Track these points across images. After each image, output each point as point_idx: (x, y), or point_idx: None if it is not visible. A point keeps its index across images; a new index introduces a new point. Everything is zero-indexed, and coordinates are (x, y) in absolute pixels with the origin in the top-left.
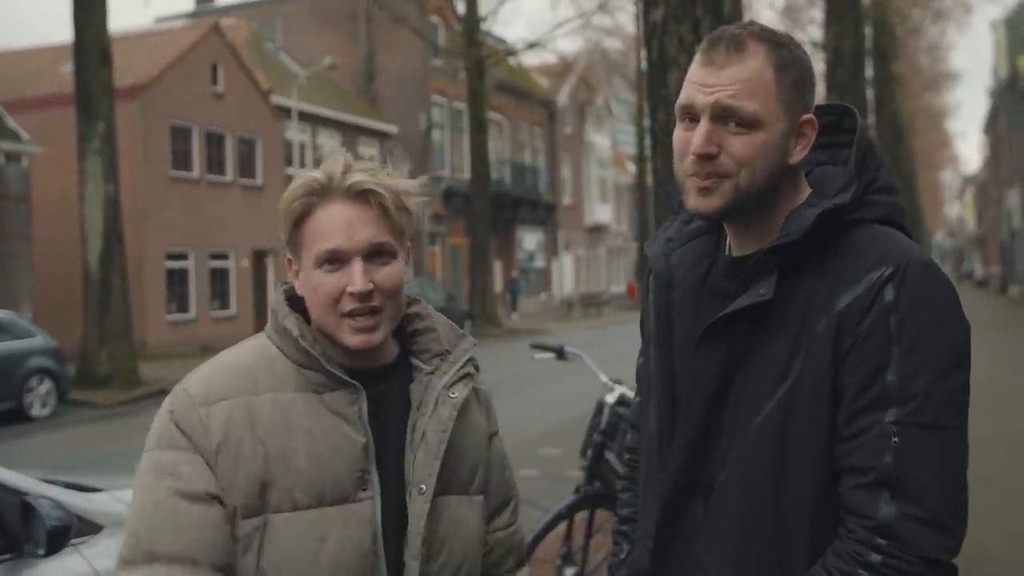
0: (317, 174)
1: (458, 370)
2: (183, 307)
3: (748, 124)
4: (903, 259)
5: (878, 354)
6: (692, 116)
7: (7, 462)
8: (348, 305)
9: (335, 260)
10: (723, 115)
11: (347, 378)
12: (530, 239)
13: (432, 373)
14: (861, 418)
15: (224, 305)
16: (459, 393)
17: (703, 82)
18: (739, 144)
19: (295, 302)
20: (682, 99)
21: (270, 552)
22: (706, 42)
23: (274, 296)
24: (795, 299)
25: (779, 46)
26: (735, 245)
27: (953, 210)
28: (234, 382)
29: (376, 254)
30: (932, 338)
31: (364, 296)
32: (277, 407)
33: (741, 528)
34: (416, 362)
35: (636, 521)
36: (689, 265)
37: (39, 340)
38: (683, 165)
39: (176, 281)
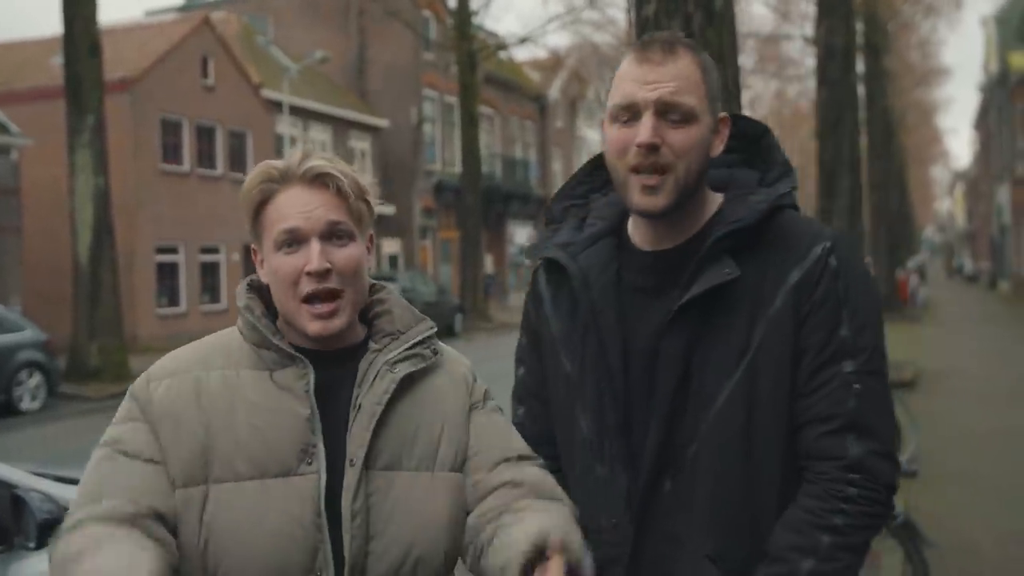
0: (276, 162)
1: (406, 349)
2: (173, 300)
3: (686, 118)
4: (833, 235)
5: (832, 315)
6: (632, 114)
7: None
8: (306, 287)
9: (293, 241)
10: (665, 110)
11: (295, 353)
12: (521, 233)
13: (380, 351)
14: (823, 371)
15: (214, 299)
16: (402, 369)
17: (643, 79)
18: (679, 137)
19: (262, 293)
20: (619, 99)
21: (211, 521)
22: (639, 44)
23: (240, 285)
24: (745, 279)
25: (700, 53)
26: (651, 241)
27: (943, 206)
28: (188, 361)
29: (334, 235)
30: (868, 299)
31: (321, 275)
32: (225, 382)
33: (713, 496)
34: (370, 343)
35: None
36: (600, 267)
37: (28, 333)
38: (624, 160)
39: (166, 274)
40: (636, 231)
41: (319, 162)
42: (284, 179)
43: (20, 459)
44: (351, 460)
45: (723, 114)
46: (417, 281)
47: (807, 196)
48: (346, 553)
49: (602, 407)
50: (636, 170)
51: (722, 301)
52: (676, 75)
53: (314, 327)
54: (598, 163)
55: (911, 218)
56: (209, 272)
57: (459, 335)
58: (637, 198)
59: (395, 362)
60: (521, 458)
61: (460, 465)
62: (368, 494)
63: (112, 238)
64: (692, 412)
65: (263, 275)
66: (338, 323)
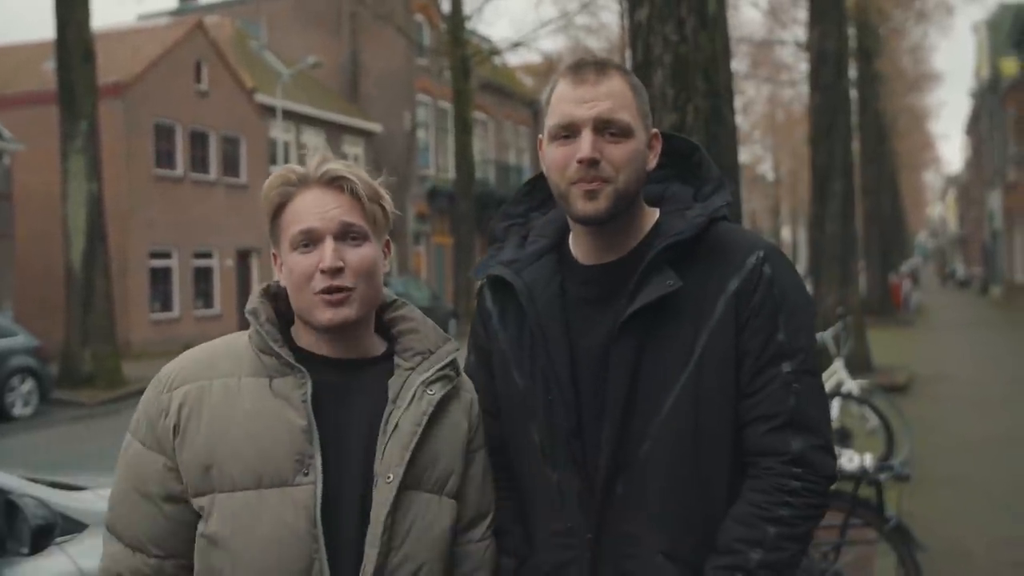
0: (295, 166)
1: (438, 369)
2: (167, 306)
3: (623, 133)
4: (765, 245)
5: (770, 319)
6: (570, 132)
7: None
8: (320, 283)
9: (309, 241)
10: (602, 127)
11: (293, 362)
12: None
13: (412, 370)
14: (763, 373)
15: (208, 304)
16: (437, 391)
17: (580, 99)
18: (617, 151)
19: (277, 300)
20: (558, 119)
21: (213, 529)
22: (571, 67)
23: (254, 289)
24: (687, 289)
25: (629, 74)
26: (593, 255)
27: (935, 211)
28: (197, 368)
29: (348, 235)
30: (800, 303)
31: (334, 272)
32: (226, 391)
33: (665, 495)
34: (398, 359)
35: (506, 535)
36: (544, 281)
37: (21, 339)
38: (565, 175)
39: (160, 280)
40: (577, 246)
41: (335, 166)
42: (302, 182)
43: (13, 465)
44: (387, 477)
45: (655, 130)
46: (411, 287)
47: (800, 201)
48: (367, 567)
49: (552, 415)
50: (576, 183)
51: (665, 310)
52: (610, 93)
53: (326, 315)
54: (536, 183)
55: (904, 223)
56: (203, 277)
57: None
58: (579, 205)
59: (430, 382)
60: (480, 516)
61: (455, 495)
62: (393, 509)
63: (105, 243)
64: (641, 416)
65: (281, 278)
66: (347, 312)
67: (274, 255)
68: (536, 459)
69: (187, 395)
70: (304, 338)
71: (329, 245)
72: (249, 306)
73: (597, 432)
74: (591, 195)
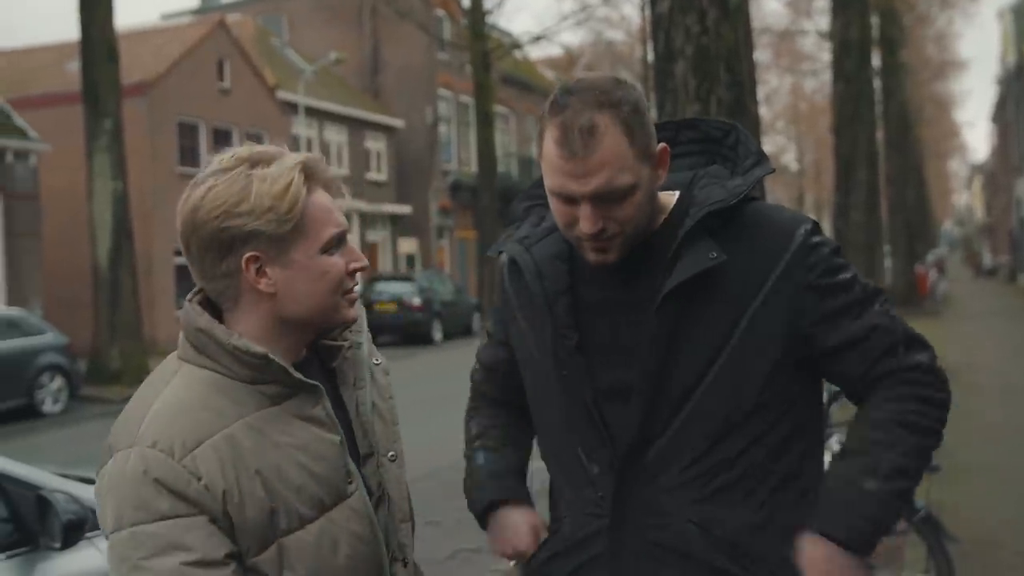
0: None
1: (369, 341)
2: None
3: (624, 195)
4: (805, 218)
5: (840, 278)
6: (569, 200)
7: (19, 458)
8: (349, 282)
9: (341, 242)
10: (602, 196)
11: (307, 380)
12: None
13: (351, 347)
14: (862, 318)
15: None
16: (381, 360)
17: (572, 174)
18: (622, 211)
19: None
20: (555, 186)
21: (293, 574)
22: (558, 130)
23: (198, 320)
24: (729, 262)
25: (617, 107)
26: None
27: (961, 199)
28: (197, 421)
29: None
30: (845, 261)
31: (362, 270)
32: (251, 431)
33: (698, 465)
34: (325, 343)
35: (488, 433)
36: (552, 256)
37: (50, 337)
38: (571, 231)
39: (185, 277)
40: None
41: (330, 169)
42: (315, 182)
43: (43, 461)
44: (390, 456)
45: (662, 145)
46: (435, 281)
47: (824, 191)
48: (403, 540)
49: (569, 391)
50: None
51: (705, 284)
52: (603, 161)
53: (352, 312)
54: None
55: (929, 212)
56: None
57: (477, 334)
58: (591, 256)
59: (371, 355)
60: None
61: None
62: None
63: (131, 241)
64: (674, 390)
65: (266, 285)
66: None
67: (254, 258)
68: (560, 432)
69: (218, 451)
70: (283, 349)
71: (354, 246)
72: (231, 340)
73: (621, 408)
74: (601, 251)
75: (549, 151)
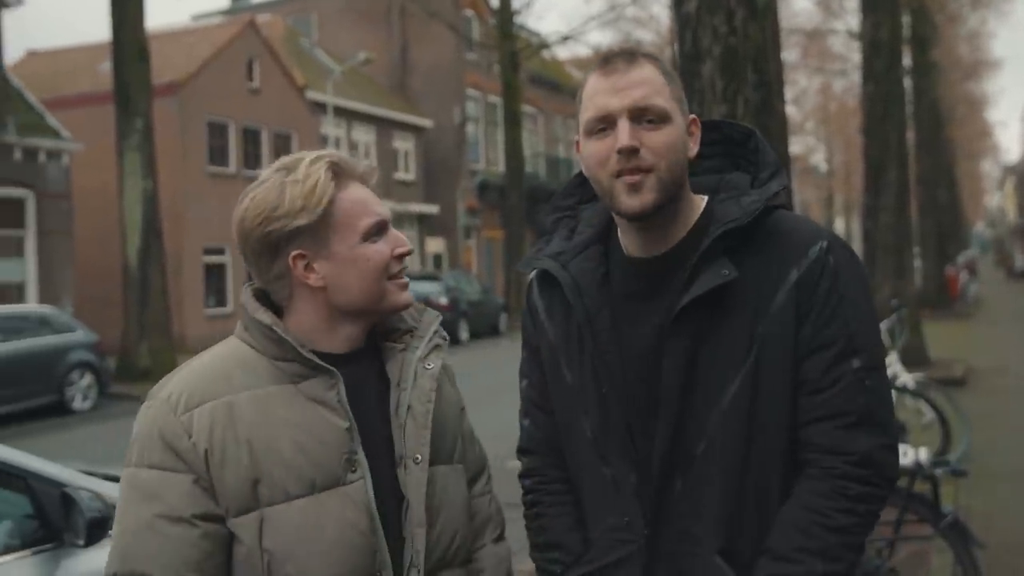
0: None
1: (428, 342)
2: (221, 301)
3: (660, 119)
4: (829, 234)
5: (837, 313)
6: (606, 124)
7: (49, 455)
8: (395, 267)
9: (382, 230)
10: (639, 114)
11: (322, 363)
12: None
13: (405, 350)
14: (834, 369)
15: None
16: (434, 364)
17: (613, 88)
18: (656, 138)
19: (264, 302)
20: (592, 112)
21: (271, 545)
22: (600, 60)
23: (243, 296)
24: (744, 279)
25: (660, 61)
26: (640, 248)
27: (993, 200)
28: (210, 384)
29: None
30: (865, 295)
31: (407, 255)
32: (256, 403)
33: (723, 493)
34: (385, 343)
35: (562, 547)
36: (590, 273)
37: (80, 334)
38: (606, 169)
39: (214, 276)
40: (625, 238)
41: (367, 161)
42: (345, 175)
43: (72, 458)
44: (415, 459)
45: (693, 116)
46: (461, 280)
47: (854, 191)
48: (418, 546)
49: (605, 409)
50: (619, 175)
51: (722, 301)
52: (643, 80)
53: (404, 297)
54: (586, 176)
55: (960, 213)
56: None
57: (504, 334)
58: (624, 200)
59: (424, 357)
60: (479, 471)
61: (461, 459)
62: (428, 488)
63: (160, 240)
64: (699, 410)
65: (315, 279)
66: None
67: (300, 256)
68: (590, 454)
69: (213, 414)
70: (319, 340)
71: (397, 232)
72: (255, 315)
73: (651, 426)
74: (635, 188)
75: (589, 84)
